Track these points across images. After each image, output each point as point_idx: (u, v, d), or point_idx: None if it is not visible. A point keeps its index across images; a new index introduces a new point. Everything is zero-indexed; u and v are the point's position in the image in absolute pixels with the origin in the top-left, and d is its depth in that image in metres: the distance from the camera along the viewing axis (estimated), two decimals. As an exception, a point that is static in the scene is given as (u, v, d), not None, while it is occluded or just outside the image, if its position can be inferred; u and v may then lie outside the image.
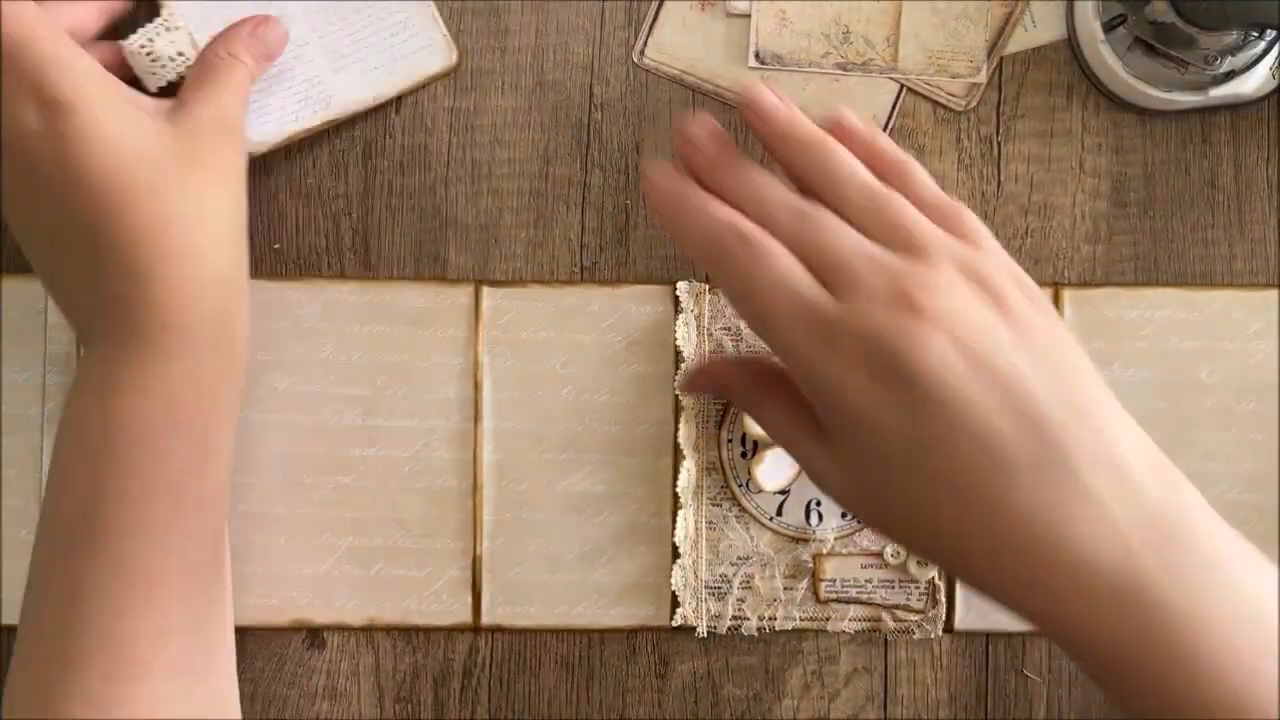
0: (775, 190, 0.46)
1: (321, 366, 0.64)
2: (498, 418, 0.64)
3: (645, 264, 0.64)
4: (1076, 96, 0.65)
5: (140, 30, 0.62)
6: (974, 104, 0.64)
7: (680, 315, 0.63)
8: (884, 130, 0.64)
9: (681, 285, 0.63)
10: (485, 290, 0.64)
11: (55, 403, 0.63)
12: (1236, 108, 0.64)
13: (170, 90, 0.63)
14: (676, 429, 0.63)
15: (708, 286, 0.64)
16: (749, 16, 0.64)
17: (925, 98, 0.64)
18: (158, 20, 0.62)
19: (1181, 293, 0.64)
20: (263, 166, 0.64)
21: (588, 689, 0.64)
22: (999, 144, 0.64)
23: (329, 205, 0.64)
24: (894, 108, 0.64)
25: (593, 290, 0.64)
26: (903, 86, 0.64)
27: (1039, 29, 0.64)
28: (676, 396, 0.64)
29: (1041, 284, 0.64)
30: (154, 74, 0.62)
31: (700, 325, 0.64)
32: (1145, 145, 0.65)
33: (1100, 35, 0.62)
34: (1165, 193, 0.65)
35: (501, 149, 0.64)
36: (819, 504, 0.64)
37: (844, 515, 0.64)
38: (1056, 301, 0.64)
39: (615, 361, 0.64)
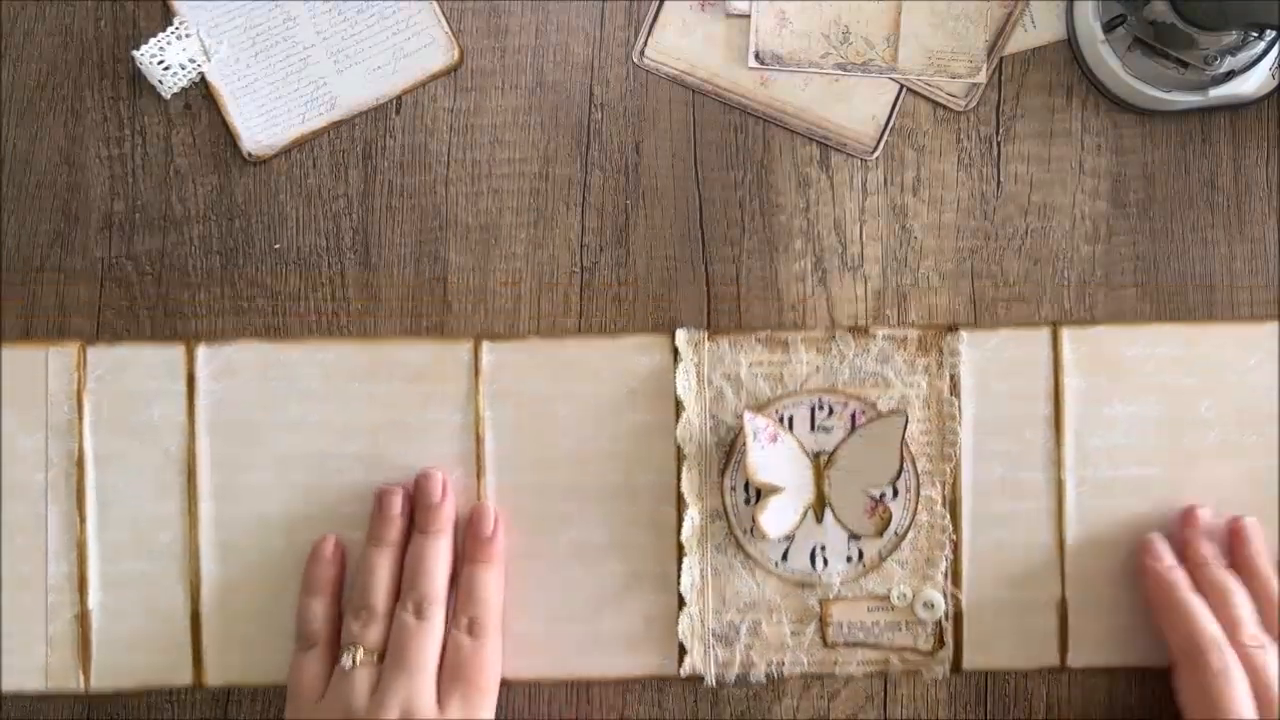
0: (1247, 611, 0.59)
1: (321, 427, 0.63)
2: (500, 470, 0.63)
3: (646, 263, 0.64)
4: (1076, 97, 0.65)
5: (152, 40, 0.62)
6: (974, 104, 0.64)
7: (679, 364, 0.63)
8: (884, 130, 0.64)
9: (680, 334, 0.63)
10: (485, 345, 0.63)
11: (57, 469, 0.63)
12: (1236, 108, 0.64)
13: (183, 97, 0.64)
14: (679, 477, 0.63)
15: (706, 335, 0.63)
16: (749, 16, 0.64)
17: (925, 98, 0.64)
18: (169, 29, 0.63)
19: (1180, 328, 0.64)
20: (263, 167, 0.64)
21: (588, 688, 0.64)
22: (999, 144, 0.64)
23: (329, 205, 0.64)
24: (894, 108, 0.64)
25: (592, 341, 0.63)
26: (903, 86, 0.64)
27: (1039, 29, 0.64)
28: (678, 445, 0.63)
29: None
30: (165, 82, 0.63)
31: (700, 374, 0.63)
32: (1145, 145, 0.65)
33: (1100, 35, 0.62)
34: (1165, 193, 0.65)
35: (501, 149, 0.64)
36: (824, 549, 0.63)
37: (848, 559, 0.63)
38: (1055, 340, 0.63)
39: (616, 411, 0.63)
